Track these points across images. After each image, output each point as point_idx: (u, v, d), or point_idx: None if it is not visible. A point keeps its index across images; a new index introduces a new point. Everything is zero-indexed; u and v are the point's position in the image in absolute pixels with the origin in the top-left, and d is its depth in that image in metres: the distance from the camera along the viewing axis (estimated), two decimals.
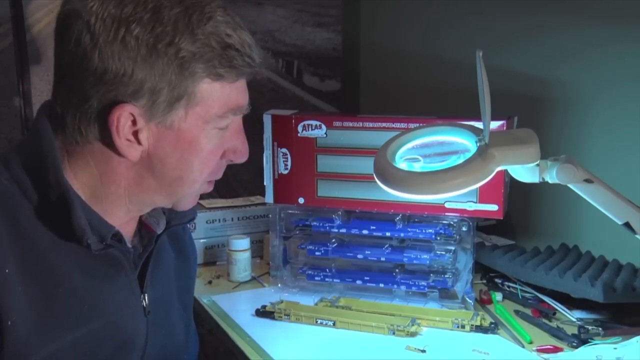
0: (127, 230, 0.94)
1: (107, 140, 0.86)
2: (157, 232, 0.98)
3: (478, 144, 0.98)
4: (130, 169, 0.88)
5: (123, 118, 0.84)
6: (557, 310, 1.31)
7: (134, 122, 0.85)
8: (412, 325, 1.23)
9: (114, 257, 0.90)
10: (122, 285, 0.92)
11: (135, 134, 0.86)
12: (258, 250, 1.66)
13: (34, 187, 0.86)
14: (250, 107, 0.93)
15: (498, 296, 1.40)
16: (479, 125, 1.00)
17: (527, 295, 1.39)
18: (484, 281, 1.47)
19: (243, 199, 1.75)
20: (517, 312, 1.33)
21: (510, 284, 1.43)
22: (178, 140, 0.87)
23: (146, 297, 0.96)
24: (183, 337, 1.09)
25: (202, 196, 1.08)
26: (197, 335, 1.16)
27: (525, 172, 1.02)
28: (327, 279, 1.43)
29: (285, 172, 1.41)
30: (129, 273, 0.93)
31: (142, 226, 0.99)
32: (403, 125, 1.32)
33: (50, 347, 0.83)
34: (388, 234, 1.38)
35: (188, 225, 1.12)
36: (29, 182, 0.86)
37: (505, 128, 1.28)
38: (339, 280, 1.42)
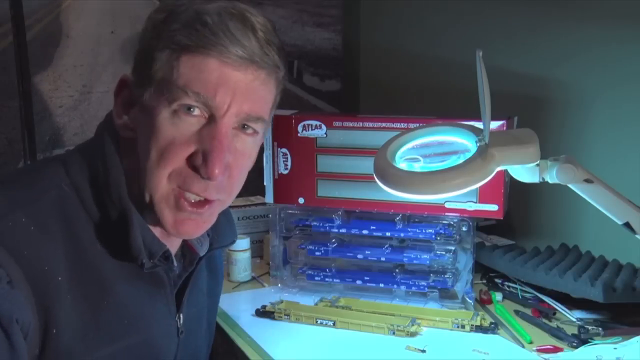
0: (172, 248, 0.93)
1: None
2: (200, 254, 0.98)
3: (478, 144, 0.98)
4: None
5: (122, 85, 0.89)
6: (557, 310, 1.31)
7: (129, 93, 0.88)
8: (412, 325, 1.23)
9: (158, 276, 0.90)
10: (161, 303, 0.92)
11: (127, 106, 0.88)
12: (258, 250, 1.66)
13: (94, 199, 0.85)
14: (249, 117, 0.86)
15: (498, 296, 1.40)
16: (479, 125, 1.00)
17: (527, 295, 1.39)
18: (484, 281, 1.47)
19: (243, 199, 1.75)
20: (517, 312, 1.33)
21: (510, 284, 1.43)
22: (146, 116, 0.85)
23: (181, 317, 0.96)
24: (205, 355, 1.09)
25: None
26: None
27: (525, 172, 1.02)
28: (327, 279, 1.43)
29: (285, 172, 1.41)
30: (168, 292, 0.93)
31: (185, 246, 0.98)
32: (403, 125, 1.32)
33: (88, 358, 0.83)
34: (388, 234, 1.38)
35: None
36: (89, 193, 0.85)
37: (505, 128, 1.28)
38: (339, 280, 1.42)
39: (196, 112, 0.83)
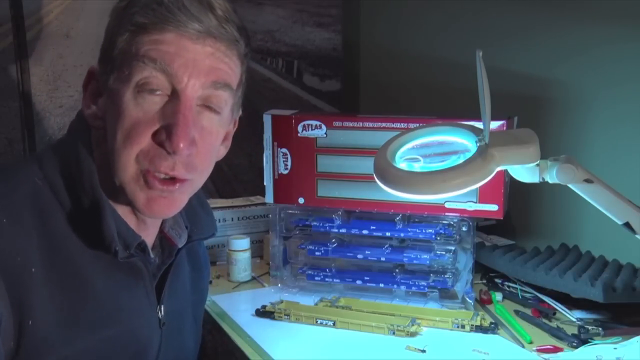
0: (148, 239, 0.93)
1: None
2: (178, 245, 0.98)
3: (478, 144, 0.98)
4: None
5: (90, 76, 0.89)
6: (557, 310, 1.31)
7: (96, 84, 0.88)
8: (412, 325, 1.23)
9: (136, 266, 0.90)
10: (141, 294, 0.92)
11: (95, 97, 0.88)
12: (258, 250, 1.66)
13: (67, 190, 0.85)
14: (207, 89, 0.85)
15: (498, 296, 1.40)
16: (479, 125, 1.00)
17: (527, 295, 1.39)
18: (484, 281, 1.47)
19: (243, 199, 1.75)
20: (517, 312, 1.33)
21: (510, 284, 1.43)
22: (112, 101, 0.85)
23: (162, 309, 0.96)
24: (193, 352, 1.09)
25: None
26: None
27: (525, 172, 1.02)
28: (327, 279, 1.43)
29: (285, 172, 1.41)
30: (147, 283, 0.93)
31: (164, 238, 0.98)
32: (403, 125, 1.32)
33: (66, 350, 0.83)
34: (388, 234, 1.38)
35: None
36: (62, 184, 0.86)
37: (505, 128, 1.28)
38: (339, 280, 1.42)
39: (159, 91, 0.83)
